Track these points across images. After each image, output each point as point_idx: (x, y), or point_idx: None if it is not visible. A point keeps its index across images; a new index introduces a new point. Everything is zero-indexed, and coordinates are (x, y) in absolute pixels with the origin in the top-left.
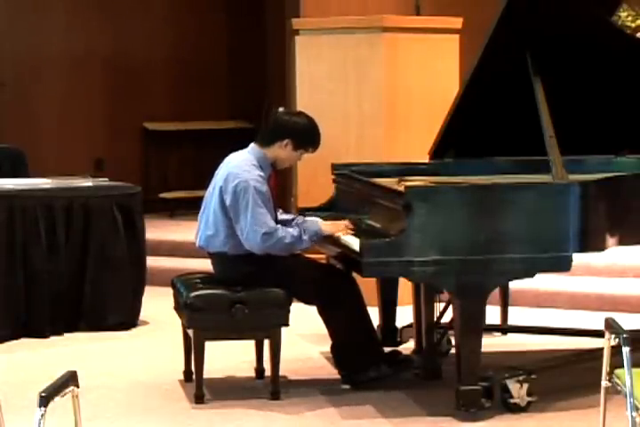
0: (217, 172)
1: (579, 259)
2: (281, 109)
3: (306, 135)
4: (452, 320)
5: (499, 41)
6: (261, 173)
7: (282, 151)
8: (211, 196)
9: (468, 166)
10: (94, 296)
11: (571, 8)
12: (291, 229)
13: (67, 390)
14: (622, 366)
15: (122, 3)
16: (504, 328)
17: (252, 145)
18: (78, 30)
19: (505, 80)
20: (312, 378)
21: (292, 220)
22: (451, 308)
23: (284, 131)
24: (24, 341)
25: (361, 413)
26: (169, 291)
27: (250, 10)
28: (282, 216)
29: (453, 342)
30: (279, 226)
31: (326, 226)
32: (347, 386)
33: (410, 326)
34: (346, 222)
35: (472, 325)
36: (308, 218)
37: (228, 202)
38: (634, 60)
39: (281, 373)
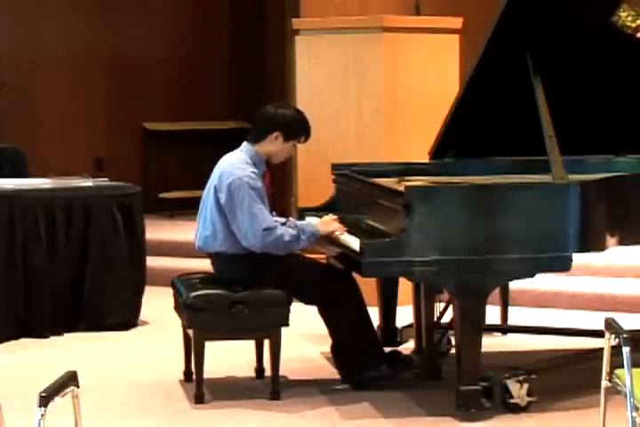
0: (212, 172)
1: (579, 259)
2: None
3: (294, 125)
4: (451, 320)
5: (499, 41)
6: (254, 170)
7: (273, 145)
8: (207, 196)
9: (468, 166)
10: (94, 296)
11: (571, 8)
12: (289, 229)
13: (67, 390)
14: (622, 366)
15: (122, 3)
16: (504, 328)
17: (244, 143)
18: (78, 30)
19: (505, 80)
20: (312, 378)
21: (284, 223)
22: (451, 308)
23: (272, 124)
24: (24, 341)
25: (361, 413)
26: (169, 291)
27: (250, 10)
28: (274, 218)
29: (453, 342)
30: (278, 223)
31: (323, 226)
32: (347, 386)
33: (410, 326)
34: (339, 225)
35: (472, 325)
36: (299, 222)
37: (222, 200)
38: (634, 60)
39: (281, 373)
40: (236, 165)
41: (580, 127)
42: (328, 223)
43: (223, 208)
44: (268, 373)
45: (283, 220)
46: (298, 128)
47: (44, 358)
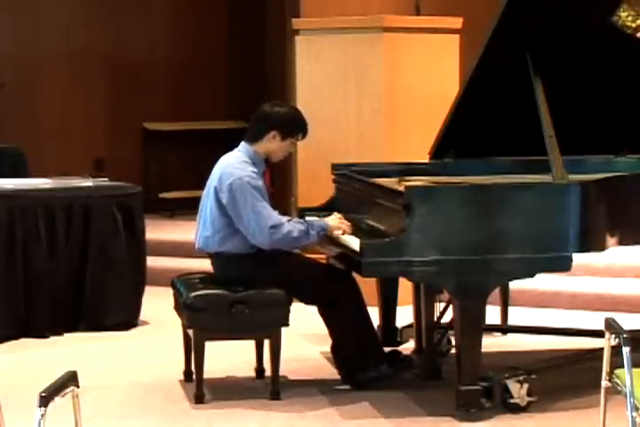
0: (211, 173)
1: (579, 259)
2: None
3: (291, 123)
4: (452, 320)
5: (499, 41)
6: (254, 170)
7: (271, 144)
8: (206, 197)
9: (468, 166)
10: (94, 296)
11: (571, 8)
12: (297, 224)
13: (67, 390)
14: (622, 366)
15: (122, 2)
16: (504, 328)
17: (242, 143)
18: (79, 30)
19: (505, 80)
20: (312, 378)
21: (290, 220)
22: (451, 308)
23: (269, 123)
24: (24, 341)
25: (361, 413)
26: (169, 291)
27: (250, 10)
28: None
29: (453, 342)
30: (284, 220)
31: (333, 221)
32: (347, 386)
33: (410, 326)
34: (349, 224)
35: (472, 325)
36: (307, 218)
37: (224, 201)
38: (634, 60)
39: (281, 373)
40: (235, 165)
41: (580, 127)
42: (339, 221)
43: (224, 208)
44: (268, 373)
45: (287, 218)
46: (295, 126)
47: (44, 358)
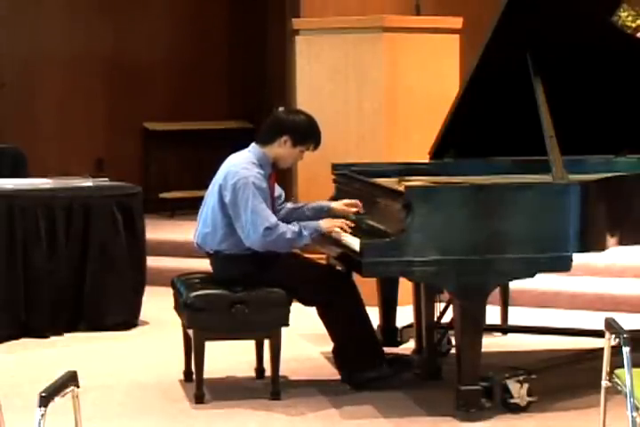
0: (218, 171)
1: (579, 259)
2: (280, 109)
3: (304, 131)
4: (452, 320)
5: (499, 41)
6: (261, 171)
7: (281, 149)
8: (210, 194)
9: (468, 166)
10: (94, 296)
11: (571, 8)
12: (290, 226)
13: (67, 390)
14: (622, 366)
15: (122, 3)
16: (504, 328)
17: (253, 144)
18: (78, 30)
19: (505, 80)
20: (312, 378)
21: (301, 207)
22: (451, 308)
23: (282, 128)
24: (24, 341)
25: (361, 413)
26: (169, 291)
27: (250, 10)
28: (289, 205)
29: (453, 342)
30: (279, 222)
31: (325, 222)
32: (347, 386)
33: (410, 326)
34: (343, 220)
35: (472, 325)
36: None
37: (227, 199)
38: (634, 61)
39: (281, 373)
40: (242, 165)
41: (580, 127)
42: (332, 221)
43: (226, 208)
44: (268, 373)
45: (300, 204)
46: (307, 134)
47: (43, 358)
